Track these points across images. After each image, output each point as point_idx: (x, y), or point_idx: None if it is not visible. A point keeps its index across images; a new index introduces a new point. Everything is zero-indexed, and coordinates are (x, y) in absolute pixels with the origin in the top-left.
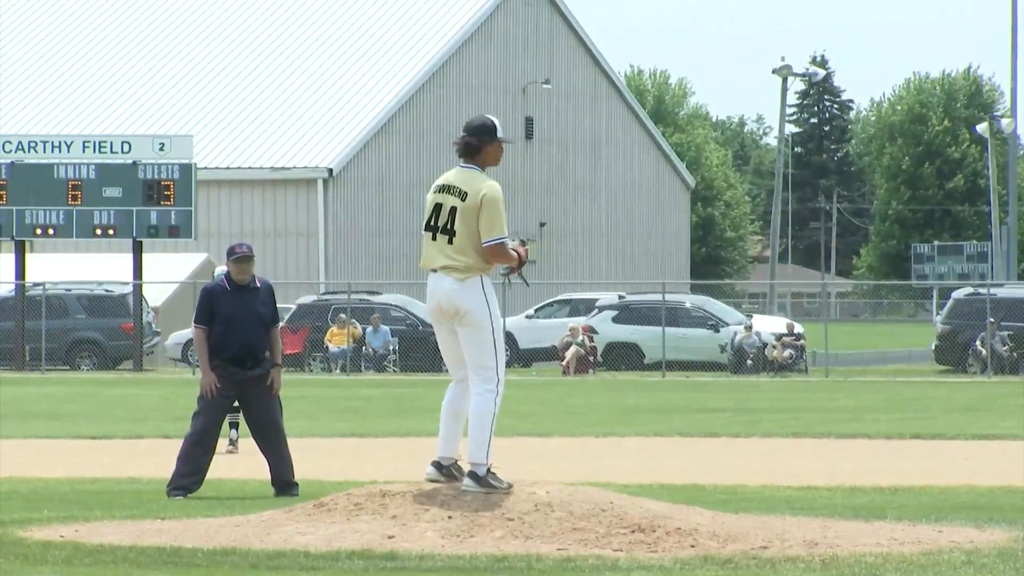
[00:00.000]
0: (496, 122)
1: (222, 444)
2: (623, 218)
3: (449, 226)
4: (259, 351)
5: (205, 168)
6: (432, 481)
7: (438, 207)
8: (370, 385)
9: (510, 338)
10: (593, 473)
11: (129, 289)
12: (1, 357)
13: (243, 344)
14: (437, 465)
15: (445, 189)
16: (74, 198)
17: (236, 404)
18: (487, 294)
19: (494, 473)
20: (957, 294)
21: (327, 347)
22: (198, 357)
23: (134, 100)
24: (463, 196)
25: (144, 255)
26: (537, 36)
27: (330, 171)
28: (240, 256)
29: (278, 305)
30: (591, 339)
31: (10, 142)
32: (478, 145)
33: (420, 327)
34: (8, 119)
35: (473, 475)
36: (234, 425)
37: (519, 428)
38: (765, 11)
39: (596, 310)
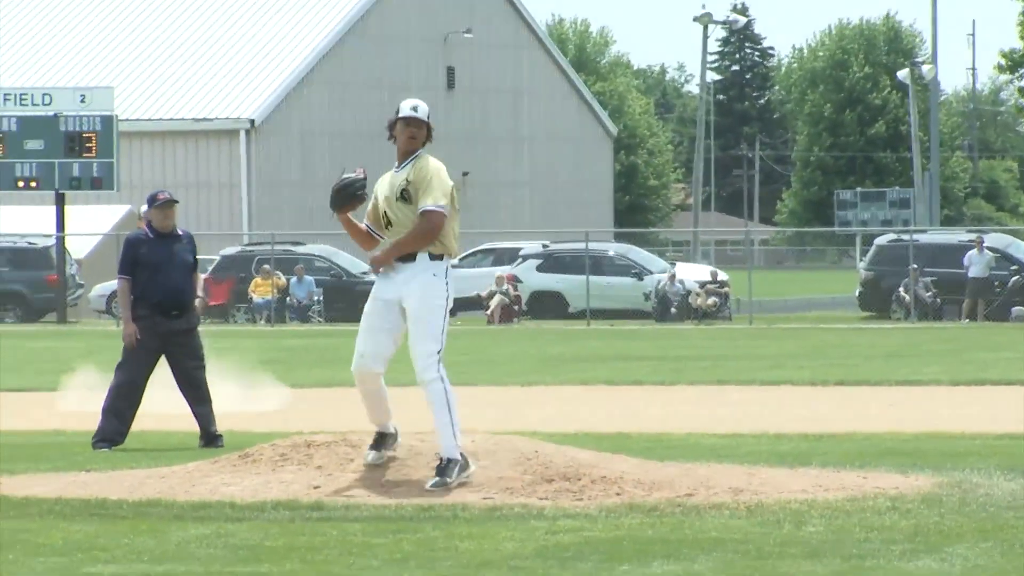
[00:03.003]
0: (403, 104)
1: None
2: (546, 167)
3: None
4: (185, 297)
5: (127, 120)
6: None
7: None
8: (294, 336)
9: None
10: (518, 422)
11: (52, 241)
12: None
13: (168, 290)
14: None
15: None
16: None
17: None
18: None
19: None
20: (880, 240)
21: (251, 298)
22: (120, 308)
23: (55, 52)
24: None
25: (67, 207)
26: None
27: (252, 122)
28: (163, 202)
29: (201, 256)
30: (515, 288)
31: None
32: (391, 129)
33: (344, 277)
34: None
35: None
36: None
37: None
38: None
39: (520, 259)
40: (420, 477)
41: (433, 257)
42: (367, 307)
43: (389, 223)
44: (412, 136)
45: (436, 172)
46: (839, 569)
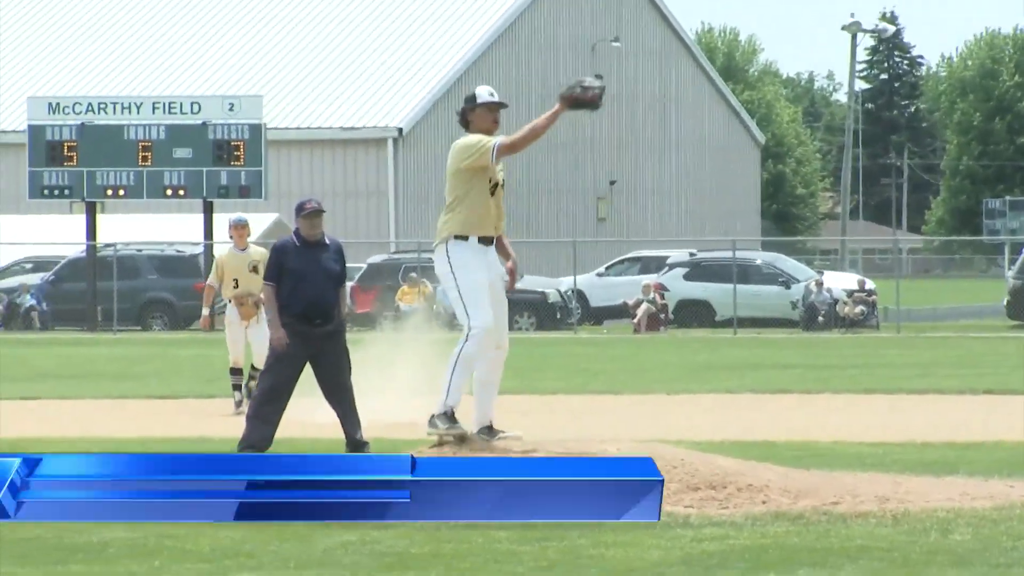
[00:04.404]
0: (480, 90)
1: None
2: (693, 175)
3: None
4: (329, 307)
5: (275, 128)
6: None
7: None
8: (441, 343)
9: (580, 296)
10: (664, 430)
11: (200, 249)
12: (73, 318)
13: (312, 299)
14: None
15: None
16: (144, 159)
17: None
18: (451, 257)
19: (446, 415)
20: None
21: (398, 306)
22: (267, 314)
23: (204, 60)
24: (448, 163)
25: (215, 215)
26: None
27: (400, 131)
28: (311, 211)
29: (349, 264)
30: (662, 296)
31: (80, 103)
32: (463, 116)
33: None
34: (78, 81)
35: (432, 416)
36: (237, 387)
37: (590, 386)
38: None
39: (667, 267)
40: None
41: None
42: (484, 279)
43: (492, 194)
44: (496, 120)
45: None
46: None
